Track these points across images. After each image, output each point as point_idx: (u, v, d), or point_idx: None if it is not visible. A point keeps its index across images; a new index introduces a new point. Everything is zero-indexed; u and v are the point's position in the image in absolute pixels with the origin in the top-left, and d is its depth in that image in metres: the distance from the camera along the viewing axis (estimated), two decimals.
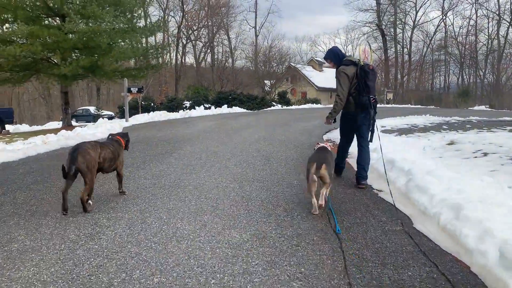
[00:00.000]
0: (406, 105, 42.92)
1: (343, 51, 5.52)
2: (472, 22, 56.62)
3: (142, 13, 21.90)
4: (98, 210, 4.10)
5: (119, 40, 18.28)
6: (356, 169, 5.38)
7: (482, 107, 39.26)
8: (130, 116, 17.63)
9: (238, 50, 56.69)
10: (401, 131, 13.01)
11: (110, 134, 4.87)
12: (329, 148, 4.60)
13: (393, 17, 52.90)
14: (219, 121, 15.53)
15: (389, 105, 41.96)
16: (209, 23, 52.24)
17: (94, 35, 16.94)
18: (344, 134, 5.54)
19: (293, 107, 34.13)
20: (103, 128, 11.02)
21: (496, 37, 51.60)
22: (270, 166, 6.37)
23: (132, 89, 16.29)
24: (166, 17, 48.06)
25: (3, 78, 18.45)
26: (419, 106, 42.42)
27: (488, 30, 54.15)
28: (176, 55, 50.40)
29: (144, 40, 22.47)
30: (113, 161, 4.38)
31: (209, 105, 30.30)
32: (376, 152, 6.83)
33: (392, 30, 54.68)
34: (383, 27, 52.04)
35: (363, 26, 54.11)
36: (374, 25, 52.56)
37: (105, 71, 18.03)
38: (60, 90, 21.29)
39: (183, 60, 55.41)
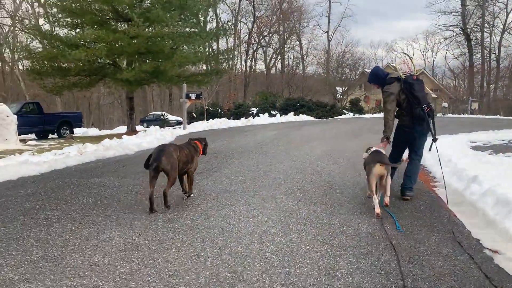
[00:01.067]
0: (495, 116, 38.23)
1: (383, 70, 5.43)
2: None
3: (208, 17, 21.41)
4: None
5: (183, 45, 17.75)
6: (402, 180, 5.10)
7: None
8: (196, 121, 17.07)
9: (310, 56, 55.09)
10: (496, 148, 10.67)
11: (190, 139, 5.10)
12: (383, 151, 4.69)
13: (480, 19, 47.79)
14: (281, 130, 14.18)
15: (474, 116, 37.65)
16: (281, 29, 51.28)
17: (157, 39, 16.52)
18: (396, 146, 5.30)
19: (366, 115, 31.76)
20: (152, 137, 10.17)
21: None
22: (331, 197, 4.84)
23: (190, 95, 15.54)
24: (238, 23, 48.04)
25: (71, 83, 18.79)
26: (510, 117, 37.57)
27: None
28: (245, 61, 50.10)
29: (209, 45, 21.65)
30: (186, 164, 4.58)
31: (275, 112, 29.22)
32: (478, 183, 5.02)
33: (478, 34, 49.47)
34: (469, 30, 47.18)
35: (445, 30, 49.51)
36: (458, 28, 47.89)
37: (168, 76, 17.60)
38: (126, 95, 21.35)
39: (253, 66, 55.16)
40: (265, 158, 7.91)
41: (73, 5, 16.80)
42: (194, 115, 31.72)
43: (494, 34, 50.79)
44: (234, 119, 30.29)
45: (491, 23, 48.69)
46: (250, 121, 18.19)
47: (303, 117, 24.49)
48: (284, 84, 45.31)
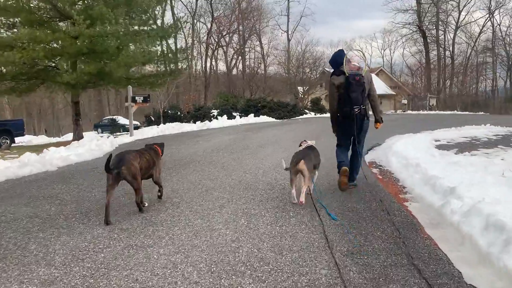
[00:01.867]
0: (452, 112, 38.99)
1: (344, 58, 5.17)
2: None
3: (158, 14, 20.15)
4: None
5: (129, 44, 16.34)
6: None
7: None
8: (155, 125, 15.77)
9: (271, 56, 54.45)
10: (461, 147, 10.18)
11: (146, 145, 5.01)
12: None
13: (435, 17, 48.88)
14: (238, 134, 13.16)
15: (433, 112, 38.24)
16: (240, 28, 50.32)
17: (101, 38, 15.05)
18: (338, 137, 5.60)
19: (327, 114, 31.37)
20: (84, 149, 8.80)
21: None
22: (282, 224, 3.86)
23: (137, 98, 14.18)
24: (196, 22, 46.62)
25: (8, 88, 16.94)
26: (467, 112, 38.43)
27: None
28: (205, 62, 48.78)
29: (161, 44, 20.31)
30: (148, 169, 4.52)
31: (236, 114, 28.23)
32: (457, 197, 4.21)
33: (434, 31, 50.63)
34: (424, 28, 48.10)
35: (402, 28, 50.31)
36: (414, 26, 48.74)
37: (115, 78, 16.15)
38: (70, 99, 19.60)
39: (213, 67, 53.90)
40: (212, 170, 6.86)
41: (8, 2, 15.04)
42: (152, 118, 30.22)
43: (447, 32, 52.18)
44: (194, 122, 29.12)
45: (444, 20, 49.95)
46: (207, 124, 17.03)
47: (264, 119, 23.60)
48: (245, 85, 44.39)
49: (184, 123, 18.97)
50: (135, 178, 4.15)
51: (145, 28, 17.49)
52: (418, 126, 16.72)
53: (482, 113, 37.29)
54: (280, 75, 49.52)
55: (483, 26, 52.68)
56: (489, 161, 7.72)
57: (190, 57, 41.87)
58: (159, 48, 18.87)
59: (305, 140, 5.29)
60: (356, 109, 5.03)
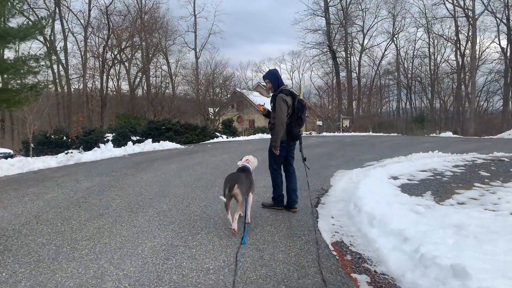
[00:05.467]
0: (367, 133, 38.24)
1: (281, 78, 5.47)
2: (418, 45, 54.68)
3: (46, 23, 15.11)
4: None
5: None
6: (286, 195, 5.51)
7: (449, 134, 35.34)
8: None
9: (179, 76, 50.16)
10: (432, 188, 7.30)
11: None
12: (252, 165, 5.10)
13: (344, 39, 49.12)
14: (106, 178, 8.64)
15: (349, 134, 36.97)
16: (143, 44, 45.39)
17: None
18: (277, 162, 5.52)
19: (241, 138, 27.94)
20: None
21: (455, 59, 49.20)
22: None
23: None
24: (89, 35, 40.72)
25: None
26: (381, 134, 37.96)
27: (434, 54, 51.98)
28: (101, 79, 42.82)
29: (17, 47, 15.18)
30: None
31: (135, 138, 23.50)
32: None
33: (343, 53, 50.92)
34: (334, 48, 47.88)
35: (312, 48, 49.68)
36: (325, 46, 48.30)
37: None
38: None
39: (115, 86, 48.04)
40: None
41: None
42: (32, 145, 24.04)
43: (354, 54, 52.94)
44: (84, 149, 23.58)
45: (351, 43, 50.45)
46: (76, 156, 12.19)
47: (166, 144, 19.25)
48: (149, 105, 39.49)
49: (55, 156, 13.93)
50: None
51: None
52: (350, 153, 13.84)
53: (395, 134, 37.02)
54: (189, 95, 45.45)
55: (385, 50, 54.55)
56: (503, 221, 4.74)
57: (56, 65, 35.94)
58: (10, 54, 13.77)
59: (241, 159, 5.27)
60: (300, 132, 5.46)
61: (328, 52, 48.21)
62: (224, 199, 4.44)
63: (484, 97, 50.47)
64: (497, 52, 45.91)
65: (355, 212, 4.79)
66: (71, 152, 20.05)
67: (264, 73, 5.63)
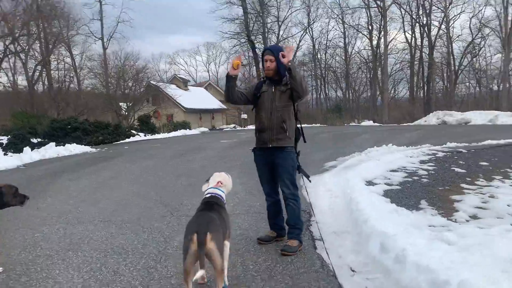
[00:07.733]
0: (299, 125, 37.90)
1: None
2: (331, 36, 56.26)
3: None
4: None
5: None
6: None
7: (370, 122, 36.55)
8: None
9: (85, 69, 45.44)
10: (414, 193, 6.34)
11: None
12: (223, 194, 3.20)
13: (262, 29, 48.36)
14: None
15: None
16: (42, 35, 40.18)
17: None
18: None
19: (161, 135, 25.70)
20: None
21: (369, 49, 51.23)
22: None
23: None
24: None
25: None
26: (306, 125, 38.01)
27: (347, 45, 53.93)
28: None
29: None
30: None
31: (35, 141, 20.07)
32: None
33: (261, 44, 50.18)
34: (253, 39, 46.95)
35: (230, 38, 48.15)
36: (243, 36, 47.10)
37: None
38: None
39: (10, 81, 41.98)
40: None
41: None
42: None
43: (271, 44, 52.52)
44: None
45: (268, 33, 49.92)
46: None
47: (74, 148, 16.57)
48: (51, 101, 35.03)
49: None
50: None
51: None
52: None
53: (319, 124, 37.33)
54: (97, 89, 41.31)
55: (300, 41, 55.07)
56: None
57: None
58: None
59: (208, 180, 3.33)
60: None
61: (246, 43, 47.09)
62: (184, 264, 2.57)
63: (391, 85, 53.42)
64: (403, 42, 48.81)
65: (394, 264, 3.27)
66: None
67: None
